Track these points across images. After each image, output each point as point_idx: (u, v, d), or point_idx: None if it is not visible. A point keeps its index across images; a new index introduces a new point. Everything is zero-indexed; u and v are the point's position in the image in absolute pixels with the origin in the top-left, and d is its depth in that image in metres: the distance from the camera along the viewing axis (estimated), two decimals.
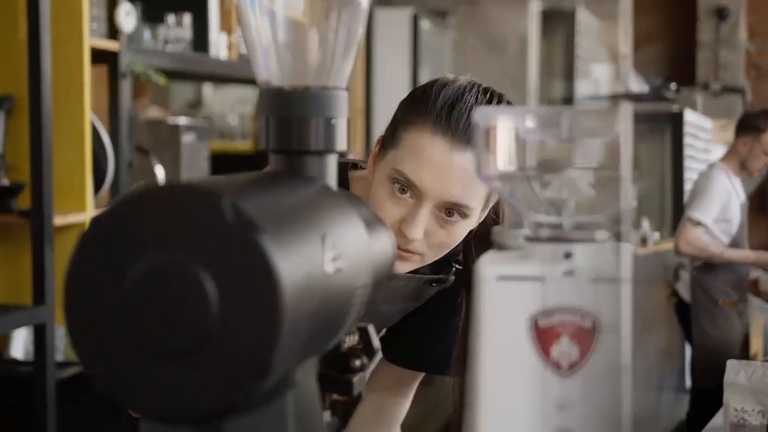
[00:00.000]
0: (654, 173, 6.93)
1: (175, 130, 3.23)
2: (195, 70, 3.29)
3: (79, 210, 2.57)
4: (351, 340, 0.90)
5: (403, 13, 5.21)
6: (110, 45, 2.70)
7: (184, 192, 0.63)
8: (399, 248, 1.26)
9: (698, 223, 4.29)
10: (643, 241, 5.87)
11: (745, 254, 4.50)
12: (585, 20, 7.54)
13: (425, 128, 1.24)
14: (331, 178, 0.83)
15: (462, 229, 1.29)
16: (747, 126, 4.41)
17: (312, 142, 0.82)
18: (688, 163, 7.05)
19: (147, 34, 3.04)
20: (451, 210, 1.26)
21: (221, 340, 0.61)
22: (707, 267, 4.41)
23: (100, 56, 2.70)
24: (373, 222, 0.87)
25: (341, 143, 0.83)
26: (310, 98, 0.82)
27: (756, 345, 4.82)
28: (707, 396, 4.28)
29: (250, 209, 0.62)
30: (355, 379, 0.86)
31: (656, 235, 6.21)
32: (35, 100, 2.40)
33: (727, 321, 4.39)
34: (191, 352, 0.62)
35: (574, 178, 0.73)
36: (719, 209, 4.34)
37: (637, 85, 5.61)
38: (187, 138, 3.17)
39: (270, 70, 0.84)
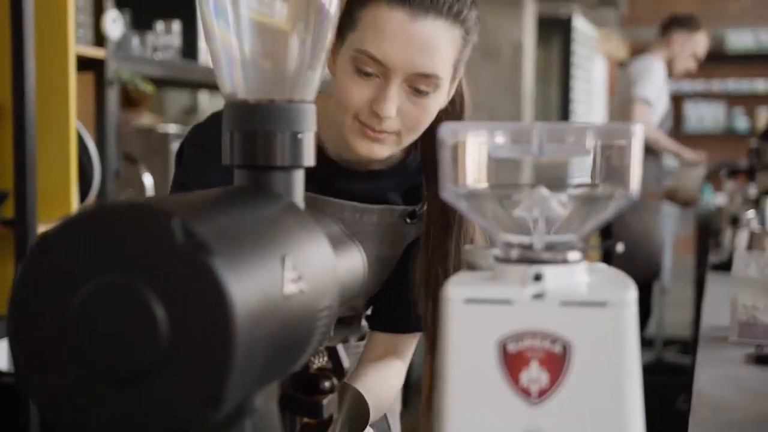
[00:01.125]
0: (543, 78, 7.05)
1: (165, 138, 3.20)
2: (184, 77, 3.27)
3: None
4: (319, 360, 0.88)
5: None
6: (97, 52, 2.67)
7: (134, 211, 0.60)
8: (373, 130, 1.25)
9: (647, 101, 4.33)
10: None
11: (676, 146, 4.61)
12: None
13: (381, 2, 1.21)
14: (298, 194, 0.80)
15: (434, 102, 1.26)
16: (681, 24, 4.49)
17: (278, 157, 0.79)
18: (573, 70, 7.21)
19: (135, 41, 3.02)
20: (420, 86, 1.23)
21: (171, 366, 0.59)
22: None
23: (86, 63, 2.67)
24: (341, 240, 0.84)
25: (308, 158, 0.81)
26: (276, 111, 0.79)
27: None
28: None
29: (202, 230, 0.60)
30: (325, 401, 0.83)
31: None
32: (19, 107, 2.37)
33: (651, 215, 4.41)
34: (140, 378, 0.59)
35: (545, 197, 0.70)
36: (658, 90, 4.41)
37: None
38: (177, 146, 3.14)
39: (235, 82, 0.81)
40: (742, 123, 10.15)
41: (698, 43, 4.49)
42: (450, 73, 1.26)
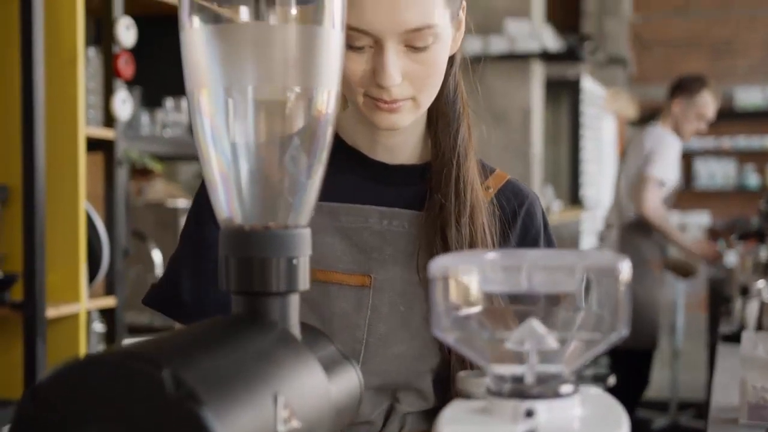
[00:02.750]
0: (552, 139, 7.08)
1: (174, 213, 3.23)
2: (192, 154, 3.30)
3: (73, 301, 2.55)
4: None
5: None
6: (106, 133, 2.71)
7: (124, 361, 0.61)
8: (385, 101, 1.16)
9: (661, 183, 4.32)
10: (548, 210, 5.90)
11: (689, 242, 4.59)
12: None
13: None
14: (293, 319, 0.81)
15: (439, 53, 1.16)
16: (681, 88, 4.50)
17: (273, 283, 0.80)
18: (582, 130, 7.24)
19: (145, 118, 3.05)
20: (416, 42, 1.13)
21: None
22: (638, 225, 4.41)
23: (96, 144, 2.70)
24: (336, 361, 0.85)
25: (304, 282, 0.82)
26: (271, 238, 0.80)
27: None
28: (627, 357, 4.26)
29: (192, 378, 0.60)
30: None
31: (558, 204, 6.32)
32: (29, 191, 2.40)
33: (655, 283, 4.37)
34: None
35: (537, 330, 0.70)
36: (672, 172, 4.41)
37: (552, 41, 5.63)
38: None
39: (231, 208, 0.82)
40: (753, 179, 10.16)
41: (701, 104, 4.49)
42: (446, 15, 1.17)
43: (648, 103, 10.27)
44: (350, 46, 1.14)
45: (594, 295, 0.70)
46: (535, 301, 0.72)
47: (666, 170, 4.34)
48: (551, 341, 0.70)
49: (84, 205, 2.57)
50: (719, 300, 4.49)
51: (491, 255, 0.73)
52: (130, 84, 2.87)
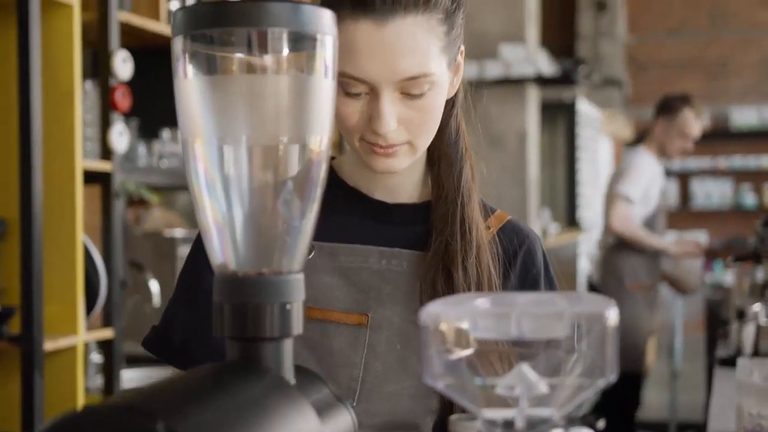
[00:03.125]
0: (548, 162, 7.10)
1: (172, 243, 3.23)
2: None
3: (70, 333, 2.56)
4: None
5: None
6: (103, 166, 2.72)
7: (119, 414, 0.62)
8: (381, 146, 1.16)
9: (628, 199, 4.32)
10: (545, 233, 5.90)
11: (667, 243, 4.52)
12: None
13: (344, 17, 1.12)
14: (287, 363, 0.82)
15: (435, 98, 1.17)
16: (662, 108, 4.53)
17: (267, 328, 0.81)
18: (578, 153, 7.27)
19: (142, 149, 3.07)
20: (412, 90, 1.14)
21: None
22: (619, 247, 4.40)
23: (93, 176, 2.71)
24: (330, 404, 0.86)
25: (297, 327, 0.83)
26: (265, 284, 0.81)
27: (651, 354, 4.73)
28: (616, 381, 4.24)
29: (187, 430, 0.61)
30: None
31: (555, 227, 6.34)
32: (26, 224, 2.41)
33: (635, 306, 4.34)
34: None
35: (527, 375, 0.71)
36: (644, 188, 4.39)
37: (547, 66, 5.66)
38: (184, 250, 3.17)
39: (225, 254, 0.83)
40: (749, 199, 10.19)
41: (683, 123, 4.47)
42: (443, 62, 1.17)
43: (644, 124, 10.30)
44: (346, 93, 1.15)
45: (583, 341, 0.71)
46: (526, 346, 0.73)
47: (634, 188, 4.35)
48: (542, 386, 0.71)
49: (81, 237, 2.58)
50: (717, 322, 4.49)
51: (481, 301, 0.74)
52: (127, 115, 2.88)
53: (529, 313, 0.71)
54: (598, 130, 8.42)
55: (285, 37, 0.79)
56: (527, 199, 5.71)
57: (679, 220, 10.35)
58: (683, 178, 10.50)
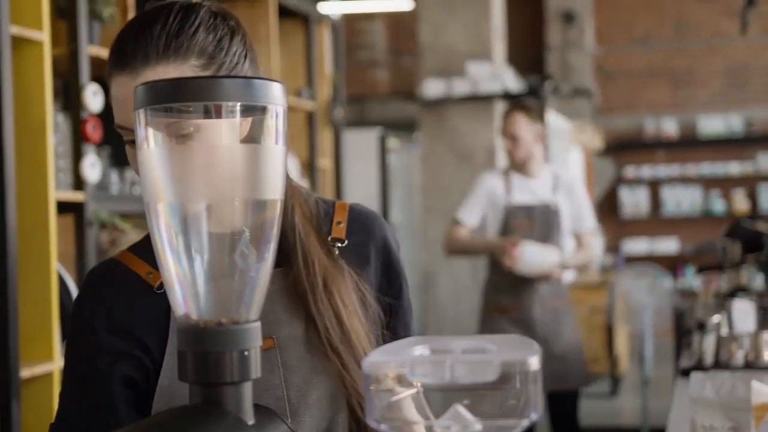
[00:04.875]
0: None
1: None
2: None
3: (46, 360, 2.61)
4: None
5: (371, 133, 5.35)
6: (76, 196, 2.78)
7: None
8: None
9: (457, 222, 4.22)
10: None
11: (483, 241, 4.30)
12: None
13: (110, 76, 1.21)
14: (246, 405, 0.89)
15: (212, 140, 1.14)
16: None
17: (227, 374, 0.88)
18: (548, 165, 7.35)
19: (115, 177, 3.13)
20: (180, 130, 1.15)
21: None
22: (488, 274, 4.28)
23: (66, 207, 2.77)
24: None
25: (255, 371, 0.90)
26: (224, 334, 0.89)
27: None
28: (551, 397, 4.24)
29: None
30: None
31: None
32: (1, 254, 2.46)
33: (494, 330, 4.15)
34: None
35: (461, 413, 0.79)
36: (482, 209, 4.23)
37: (513, 82, 5.70)
38: None
39: (187, 306, 0.90)
40: (718, 205, 10.34)
41: (503, 124, 4.38)
42: None
43: (613, 133, 10.46)
44: (125, 142, 1.22)
45: (510, 384, 0.79)
46: (460, 389, 0.81)
47: (467, 211, 4.23)
48: (476, 425, 0.78)
49: (55, 266, 2.64)
50: (683, 330, 4.56)
51: (419, 350, 0.82)
52: (99, 145, 2.94)
53: (461, 360, 0.78)
54: (568, 140, 8.52)
55: (238, 109, 0.87)
56: None
57: (650, 227, 10.50)
58: (653, 186, 10.65)
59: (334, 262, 1.29)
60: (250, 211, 0.90)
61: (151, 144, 0.88)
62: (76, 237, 2.78)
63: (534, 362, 0.77)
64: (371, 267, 1.34)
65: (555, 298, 4.23)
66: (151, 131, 0.89)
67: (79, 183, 2.79)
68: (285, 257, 1.30)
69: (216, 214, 0.89)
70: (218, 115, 0.87)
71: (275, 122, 0.89)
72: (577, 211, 4.30)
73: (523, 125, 4.15)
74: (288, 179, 1.33)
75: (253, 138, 0.90)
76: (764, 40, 9.32)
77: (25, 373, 2.52)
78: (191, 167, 0.88)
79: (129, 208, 3.12)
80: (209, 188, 0.89)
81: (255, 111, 0.89)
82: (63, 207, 2.75)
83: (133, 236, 3.93)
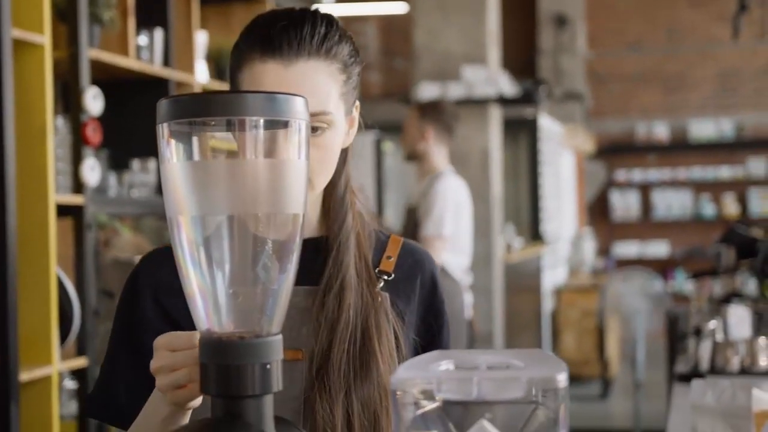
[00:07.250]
0: (511, 178, 7.22)
1: None
2: (159, 213, 3.37)
3: (45, 363, 2.61)
4: None
5: (366, 138, 5.34)
6: (75, 199, 2.77)
7: None
8: None
9: (432, 236, 3.92)
10: (509, 248, 5.93)
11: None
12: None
13: (254, 60, 1.22)
14: (267, 417, 0.89)
15: (333, 139, 1.25)
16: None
17: (249, 387, 0.89)
18: (540, 168, 7.41)
19: (113, 180, 3.12)
20: (312, 122, 1.19)
21: None
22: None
23: (66, 209, 2.77)
24: None
25: (277, 383, 0.90)
26: (246, 348, 0.89)
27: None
28: None
29: None
30: None
31: (520, 241, 6.44)
32: (1, 258, 2.46)
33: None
34: None
35: (487, 428, 0.79)
36: (452, 217, 4.00)
37: (508, 87, 5.71)
38: None
39: (209, 320, 0.91)
40: (709, 209, 10.37)
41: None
42: (340, 107, 1.26)
43: (605, 137, 10.48)
44: None
45: (538, 401, 0.79)
46: (487, 404, 0.81)
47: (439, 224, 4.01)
48: None
49: (55, 270, 2.63)
50: (676, 334, 4.56)
51: (444, 365, 0.82)
52: (98, 148, 2.94)
53: (489, 376, 0.78)
54: (560, 143, 8.54)
55: (261, 124, 0.87)
56: (491, 216, 5.80)
57: (640, 230, 10.52)
58: (644, 190, 10.67)
59: (371, 293, 1.28)
60: (273, 223, 0.90)
61: (174, 158, 0.89)
62: (75, 240, 2.77)
63: (562, 379, 0.78)
64: (413, 304, 1.34)
65: None
66: (173, 144, 0.89)
67: (78, 186, 2.79)
68: (317, 273, 1.29)
69: (237, 227, 0.90)
70: (242, 130, 0.88)
71: (298, 137, 0.90)
72: None
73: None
74: (348, 191, 1.34)
75: (275, 152, 0.90)
76: (755, 46, 9.34)
77: (25, 376, 2.52)
78: (213, 181, 0.89)
79: (127, 211, 3.12)
80: (231, 201, 0.89)
81: (278, 125, 0.89)
82: (62, 210, 2.74)
83: (126, 237, 3.93)
